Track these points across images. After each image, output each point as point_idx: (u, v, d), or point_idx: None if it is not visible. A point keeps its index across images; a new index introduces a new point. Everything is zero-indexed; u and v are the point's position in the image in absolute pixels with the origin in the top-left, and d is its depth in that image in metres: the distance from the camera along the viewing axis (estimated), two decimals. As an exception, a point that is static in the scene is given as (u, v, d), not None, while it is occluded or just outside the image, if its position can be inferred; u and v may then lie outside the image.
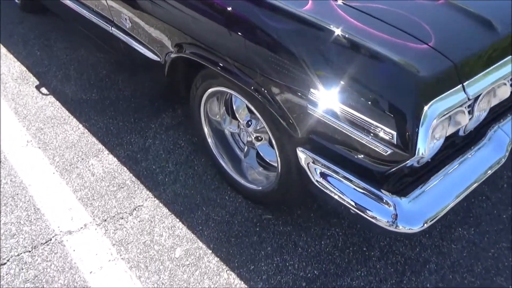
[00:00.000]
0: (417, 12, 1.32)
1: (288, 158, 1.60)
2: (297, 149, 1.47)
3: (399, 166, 1.19)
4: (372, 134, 1.17)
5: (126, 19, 2.00)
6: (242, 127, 1.88)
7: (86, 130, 2.44)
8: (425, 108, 1.10)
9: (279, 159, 1.65)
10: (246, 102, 1.62)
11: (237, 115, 1.89)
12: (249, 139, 1.87)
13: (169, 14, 1.72)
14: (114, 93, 2.71)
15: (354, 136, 1.22)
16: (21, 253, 1.82)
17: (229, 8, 1.46)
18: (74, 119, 2.52)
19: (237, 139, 2.01)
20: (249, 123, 1.84)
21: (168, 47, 1.79)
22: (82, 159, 2.26)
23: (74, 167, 2.21)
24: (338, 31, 1.24)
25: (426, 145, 1.10)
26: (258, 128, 1.81)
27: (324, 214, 1.95)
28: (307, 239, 1.85)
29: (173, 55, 1.77)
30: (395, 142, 1.13)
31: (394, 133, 1.12)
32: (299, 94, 1.32)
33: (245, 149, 1.96)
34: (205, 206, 2.00)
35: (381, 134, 1.15)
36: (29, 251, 1.82)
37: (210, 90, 1.81)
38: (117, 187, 2.10)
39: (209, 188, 2.09)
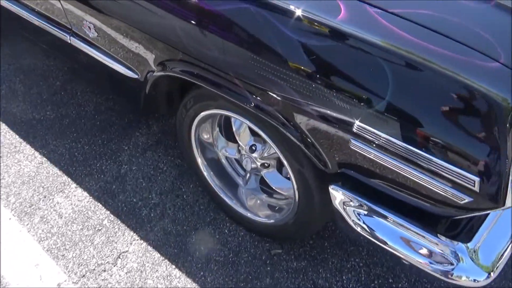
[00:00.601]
0: (472, 18, 1.09)
1: (310, 191, 1.35)
2: (329, 187, 1.21)
3: (477, 214, 0.98)
4: (445, 180, 0.94)
5: (90, 27, 1.62)
6: (244, 152, 1.60)
7: (45, 158, 2.03)
8: (516, 147, 0.89)
9: (296, 192, 1.40)
10: (257, 129, 1.34)
11: (237, 138, 1.60)
12: (253, 166, 1.59)
13: (152, 23, 1.38)
14: (73, 109, 2.30)
15: (419, 181, 0.98)
16: (-21, 332, 1.45)
17: (238, 19, 1.16)
18: (28, 146, 2.10)
19: (235, 165, 1.73)
20: (253, 147, 1.56)
21: (151, 64, 1.46)
22: (45, 197, 1.87)
23: (35, 209, 1.82)
24: (388, 47, 0.99)
25: (519, 192, 0.89)
26: (265, 155, 1.54)
27: (339, 242, 1.73)
28: (326, 275, 1.63)
29: (157, 73, 1.44)
30: (478, 190, 0.90)
31: (477, 179, 0.89)
32: (338, 125, 1.06)
33: (247, 176, 1.68)
34: (203, 245, 1.71)
35: (458, 180, 0.92)
36: (-10, 328, 1.46)
37: (204, 113, 1.50)
38: (93, 230, 1.75)
39: (204, 220, 1.80)
